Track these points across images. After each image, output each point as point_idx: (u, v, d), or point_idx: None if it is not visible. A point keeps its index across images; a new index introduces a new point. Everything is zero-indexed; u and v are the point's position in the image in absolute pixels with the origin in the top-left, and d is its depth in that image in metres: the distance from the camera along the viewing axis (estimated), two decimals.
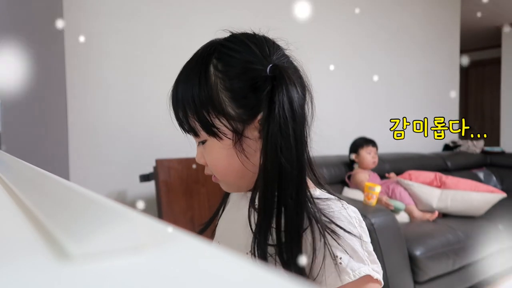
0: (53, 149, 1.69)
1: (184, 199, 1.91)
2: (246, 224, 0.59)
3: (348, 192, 2.44)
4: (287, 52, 0.61)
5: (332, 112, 2.94)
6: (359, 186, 2.39)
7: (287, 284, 0.14)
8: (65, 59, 1.76)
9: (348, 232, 0.54)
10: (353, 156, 2.51)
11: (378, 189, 1.98)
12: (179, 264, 0.16)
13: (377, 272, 0.55)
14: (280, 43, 0.62)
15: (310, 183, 0.62)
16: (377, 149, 2.52)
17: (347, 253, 0.53)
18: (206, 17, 2.25)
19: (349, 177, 2.51)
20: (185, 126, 0.58)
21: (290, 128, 0.53)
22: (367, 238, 0.57)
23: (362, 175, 2.43)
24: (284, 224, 0.52)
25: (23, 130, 1.53)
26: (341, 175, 2.52)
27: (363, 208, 1.86)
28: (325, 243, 0.52)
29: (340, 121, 2.99)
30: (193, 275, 0.15)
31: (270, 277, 0.14)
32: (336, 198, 0.59)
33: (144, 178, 1.95)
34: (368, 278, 0.53)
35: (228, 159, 0.58)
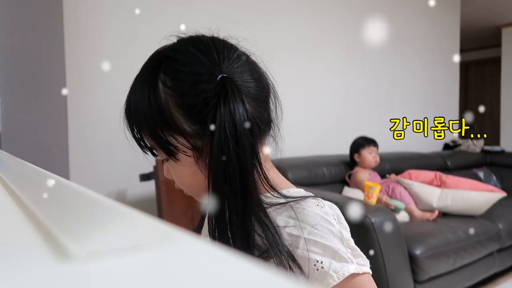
0: (53, 149, 1.69)
1: (184, 199, 1.91)
2: None
3: (348, 191, 2.44)
4: (243, 49, 0.57)
5: (332, 112, 2.94)
6: (359, 185, 2.39)
7: (287, 284, 0.14)
8: (65, 59, 1.76)
9: (328, 232, 0.52)
10: (354, 156, 2.51)
11: (378, 188, 1.98)
12: (180, 263, 0.16)
13: (362, 265, 0.53)
14: (233, 41, 0.57)
15: (285, 183, 0.60)
16: (378, 148, 2.52)
17: (328, 255, 0.50)
18: (206, 16, 2.25)
19: (349, 176, 2.51)
20: (143, 145, 0.56)
21: (232, 152, 0.49)
22: (347, 234, 0.55)
23: (363, 174, 2.43)
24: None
25: (23, 130, 1.53)
26: (341, 174, 2.52)
27: (363, 208, 1.86)
28: (286, 259, 0.50)
29: (340, 121, 2.99)
30: (194, 275, 0.15)
31: (271, 277, 0.14)
32: (312, 196, 0.56)
33: (144, 177, 1.95)
34: (354, 275, 0.51)
35: (192, 177, 0.55)
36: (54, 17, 1.70)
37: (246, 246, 0.50)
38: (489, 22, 4.88)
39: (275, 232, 0.51)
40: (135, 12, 2.06)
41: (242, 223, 0.50)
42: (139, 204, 2.06)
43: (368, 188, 1.99)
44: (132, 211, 0.21)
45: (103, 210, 0.21)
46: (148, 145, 0.55)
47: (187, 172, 0.55)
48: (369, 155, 2.46)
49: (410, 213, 2.35)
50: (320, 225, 0.52)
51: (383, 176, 2.66)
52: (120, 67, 2.01)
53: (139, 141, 0.56)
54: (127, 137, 0.56)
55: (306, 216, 0.52)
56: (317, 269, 0.50)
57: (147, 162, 1.97)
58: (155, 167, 1.90)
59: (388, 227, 1.79)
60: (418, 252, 1.93)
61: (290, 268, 0.51)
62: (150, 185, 2.01)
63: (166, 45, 0.57)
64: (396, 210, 2.28)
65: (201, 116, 0.51)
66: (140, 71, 0.56)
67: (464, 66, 5.85)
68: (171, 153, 0.54)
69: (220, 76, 0.51)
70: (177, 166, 0.55)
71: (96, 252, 0.16)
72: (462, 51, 4.32)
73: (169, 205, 1.88)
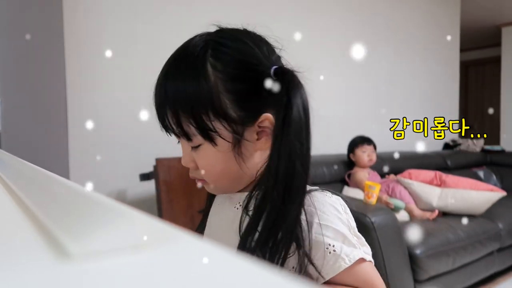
0: (53, 149, 1.69)
1: (184, 198, 1.91)
2: (231, 225, 0.59)
3: (348, 191, 2.44)
4: (277, 51, 0.60)
5: (332, 111, 2.94)
6: (359, 185, 2.39)
7: (288, 284, 0.14)
8: (65, 59, 1.76)
9: (337, 219, 0.54)
10: (350, 156, 2.51)
11: (378, 188, 1.98)
12: (180, 263, 0.16)
13: (368, 254, 0.56)
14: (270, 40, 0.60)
15: None
16: (374, 147, 2.51)
17: (339, 240, 0.53)
18: (206, 15, 2.24)
19: (349, 176, 2.51)
20: (176, 129, 0.54)
21: (304, 132, 0.53)
22: (353, 223, 0.57)
23: (362, 174, 2.43)
24: (282, 228, 0.51)
25: (23, 130, 1.53)
26: (341, 174, 2.52)
27: (363, 207, 1.86)
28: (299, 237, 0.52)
29: (340, 121, 2.99)
30: (194, 274, 0.15)
31: (271, 277, 0.14)
32: (319, 188, 0.58)
33: (144, 177, 1.95)
34: (361, 261, 0.53)
35: (225, 163, 0.55)
36: (54, 17, 1.70)
37: (292, 229, 0.51)
38: (489, 21, 4.88)
39: (305, 222, 0.53)
40: (135, 12, 2.05)
41: (301, 199, 0.52)
42: (139, 204, 2.06)
43: (368, 187, 1.99)
44: (132, 210, 0.21)
45: (103, 209, 0.21)
46: (185, 130, 0.54)
47: (221, 159, 0.55)
48: (363, 154, 2.45)
49: (410, 212, 2.35)
50: (330, 212, 0.54)
51: (383, 175, 2.66)
52: (120, 67, 2.02)
53: (171, 125, 0.54)
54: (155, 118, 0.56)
55: (318, 203, 0.54)
56: (330, 252, 0.52)
57: (147, 162, 1.97)
58: (155, 167, 1.90)
59: (388, 226, 1.80)
60: (418, 251, 1.93)
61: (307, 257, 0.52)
62: (150, 185, 2.01)
63: (208, 32, 0.57)
64: (396, 209, 2.28)
65: (249, 104, 0.53)
66: (181, 54, 0.55)
67: (464, 66, 5.84)
68: (210, 137, 0.54)
69: (275, 67, 0.54)
70: (211, 152, 0.55)
71: (96, 251, 0.16)
72: (462, 50, 4.32)
73: (169, 205, 1.88)
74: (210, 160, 0.56)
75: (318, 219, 0.53)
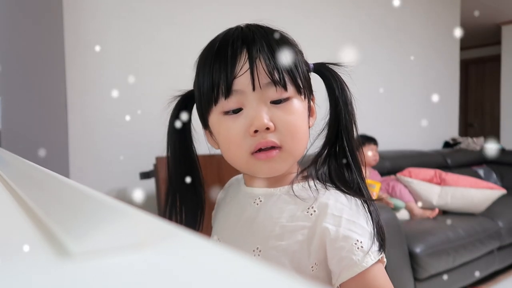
0: (53, 147, 1.69)
1: None
2: (250, 223, 0.58)
3: None
4: None
5: None
6: None
7: (291, 284, 0.14)
8: (65, 58, 1.75)
9: (362, 216, 0.55)
10: None
11: (378, 186, 1.98)
12: (179, 261, 0.16)
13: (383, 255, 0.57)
14: None
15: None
16: (377, 146, 2.52)
17: (366, 236, 0.53)
18: (205, 14, 2.24)
19: None
20: (278, 76, 0.55)
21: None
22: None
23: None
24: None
25: (23, 128, 1.53)
26: None
27: None
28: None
29: None
30: (193, 273, 0.15)
31: (273, 276, 0.14)
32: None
33: (144, 175, 1.95)
34: (380, 260, 0.53)
35: (305, 122, 0.61)
36: (54, 16, 1.70)
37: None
38: (489, 19, 4.87)
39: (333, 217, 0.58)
40: (135, 11, 2.05)
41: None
42: (139, 202, 2.06)
43: (368, 186, 1.98)
44: (132, 209, 0.21)
45: (103, 208, 0.21)
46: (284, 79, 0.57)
47: (304, 116, 0.61)
48: (369, 153, 2.46)
49: (410, 211, 2.35)
50: (355, 209, 0.56)
51: (383, 174, 2.66)
52: (120, 65, 2.01)
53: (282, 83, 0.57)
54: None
55: (343, 198, 0.57)
56: (358, 248, 0.52)
57: (147, 160, 1.97)
58: (155, 165, 1.90)
59: (388, 225, 1.80)
60: (418, 250, 1.93)
61: None
62: (150, 183, 2.01)
63: (263, 24, 0.62)
64: (396, 209, 2.28)
65: (309, 80, 0.64)
66: (266, 28, 0.61)
67: (464, 64, 5.84)
68: (310, 90, 0.64)
69: (312, 63, 0.69)
70: (299, 107, 0.59)
71: (96, 250, 0.16)
72: (462, 49, 4.31)
73: None
74: (298, 116, 0.58)
75: (346, 215, 0.54)
